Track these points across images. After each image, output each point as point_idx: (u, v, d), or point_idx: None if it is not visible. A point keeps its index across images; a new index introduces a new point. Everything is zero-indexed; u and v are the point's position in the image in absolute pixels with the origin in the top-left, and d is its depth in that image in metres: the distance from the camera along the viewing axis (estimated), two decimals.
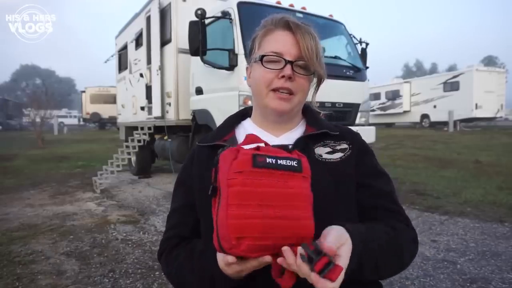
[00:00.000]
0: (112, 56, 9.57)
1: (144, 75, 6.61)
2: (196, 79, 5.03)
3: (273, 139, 0.86)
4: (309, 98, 0.90)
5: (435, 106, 19.66)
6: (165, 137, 6.05)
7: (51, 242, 3.46)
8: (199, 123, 4.96)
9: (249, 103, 4.02)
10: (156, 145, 6.72)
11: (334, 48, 5.09)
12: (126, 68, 7.97)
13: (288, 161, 0.63)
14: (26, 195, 5.61)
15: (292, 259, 0.58)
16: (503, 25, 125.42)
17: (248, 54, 0.93)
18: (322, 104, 4.25)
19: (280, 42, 0.82)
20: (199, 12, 4.06)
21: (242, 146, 0.66)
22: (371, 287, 0.83)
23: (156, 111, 5.95)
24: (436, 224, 3.81)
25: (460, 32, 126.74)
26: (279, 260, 0.60)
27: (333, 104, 4.65)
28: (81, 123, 35.83)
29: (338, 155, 0.84)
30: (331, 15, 5.37)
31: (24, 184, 6.51)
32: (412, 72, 61.99)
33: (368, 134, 4.74)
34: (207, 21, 4.28)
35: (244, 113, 0.98)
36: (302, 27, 0.82)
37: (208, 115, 4.63)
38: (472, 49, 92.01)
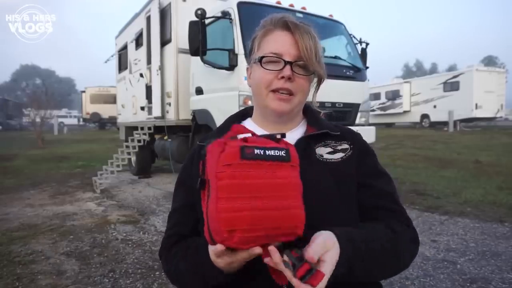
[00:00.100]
0: (112, 56, 9.58)
1: (144, 75, 6.61)
2: (196, 79, 5.03)
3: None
4: (309, 98, 0.90)
5: (435, 106, 19.66)
6: (165, 137, 6.05)
7: (51, 242, 3.46)
8: (199, 123, 4.96)
9: (249, 103, 4.02)
10: (156, 145, 6.72)
11: (334, 48, 5.09)
12: (126, 68, 7.97)
13: (276, 151, 0.63)
14: (26, 195, 5.61)
15: (278, 259, 0.59)
16: (503, 25, 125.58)
17: (248, 55, 0.93)
18: (322, 104, 4.23)
19: (279, 43, 0.82)
20: (199, 12, 4.06)
21: (228, 138, 0.66)
22: (371, 287, 0.83)
23: (156, 111, 5.95)
24: (436, 224, 3.81)
25: (460, 32, 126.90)
26: (266, 260, 0.61)
27: (333, 104, 4.65)
28: (81, 123, 35.83)
29: (339, 155, 0.84)
30: (331, 15, 5.38)
31: (24, 184, 6.51)
32: (412, 72, 61.99)
33: (368, 134, 4.74)
34: (207, 21, 4.28)
35: (244, 113, 0.98)
36: (301, 27, 0.81)
37: (208, 115, 4.63)
38: (472, 49, 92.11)
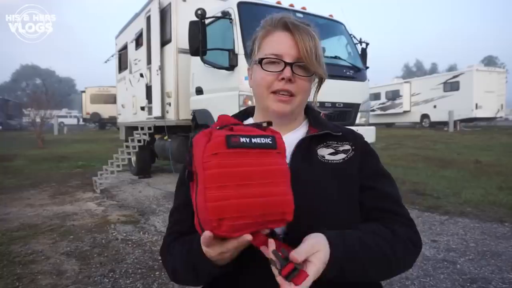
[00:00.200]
0: (112, 56, 9.57)
1: (144, 75, 6.62)
2: (196, 79, 5.03)
3: None
4: (310, 98, 0.90)
5: (435, 106, 19.66)
6: (165, 137, 6.05)
7: (51, 242, 3.46)
8: (199, 123, 4.96)
9: (249, 103, 4.02)
10: (156, 145, 6.72)
11: (334, 48, 5.10)
12: (126, 68, 7.97)
13: (262, 138, 0.63)
14: (26, 195, 5.61)
15: (273, 245, 0.63)
16: (503, 25, 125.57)
17: (249, 55, 0.93)
18: (322, 104, 4.25)
19: (279, 44, 0.81)
20: (199, 12, 4.06)
21: (215, 128, 0.66)
22: (370, 287, 0.83)
23: (156, 111, 5.96)
24: (436, 224, 3.81)
25: (460, 32, 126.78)
26: (262, 248, 0.63)
27: (333, 104, 4.66)
28: (81, 123, 35.82)
29: (340, 156, 0.84)
30: (331, 15, 5.38)
31: (24, 184, 6.51)
32: (412, 72, 61.99)
33: (368, 134, 4.74)
34: (207, 21, 4.28)
35: (246, 113, 0.98)
36: (301, 27, 0.81)
37: (208, 115, 4.63)
38: (472, 49, 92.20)
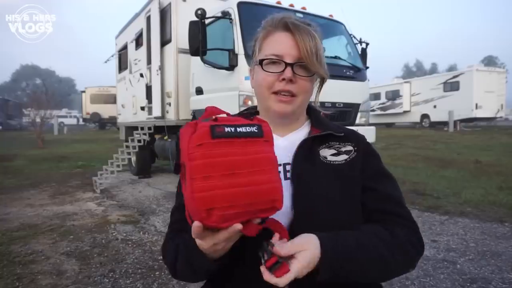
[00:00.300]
0: (112, 56, 9.57)
1: (144, 75, 6.62)
2: (196, 79, 5.03)
3: (278, 139, 0.86)
4: (312, 98, 0.90)
5: (435, 106, 19.66)
6: (165, 137, 6.05)
7: (51, 242, 3.46)
8: None
9: (249, 103, 4.02)
10: (156, 145, 6.72)
11: (334, 48, 5.10)
12: (126, 68, 7.97)
13: (247, 127, 0.63)
14: (26, 195, 5.61)
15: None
16: (503, 25, 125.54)
17: (250, 56, 0.93)
18: (322, 104, 4.21)
19: (279, 44, 0.81)
20: (199, 12, 4.06)
21: (201, 119, 0.66)
22: (370, 287, 0.83)
23: (156, 111, 5.96)
24: (436, 224, 3.81)
25: (460, 32, 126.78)
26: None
27: (333, 104, 4.66)
28: (81, 123, 35.81)
29: (343, 157, 0.84)
30: (331, 15, 5.38)
31: (24, 184, 6.51)
32: (412, 72, 62.01)
33: (368, 134, 4.70)
34: (207, 21, 4.28)
35: (252, 112, 0.97)
36: (301, 27, 0.81)
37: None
38: (472, 49, 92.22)
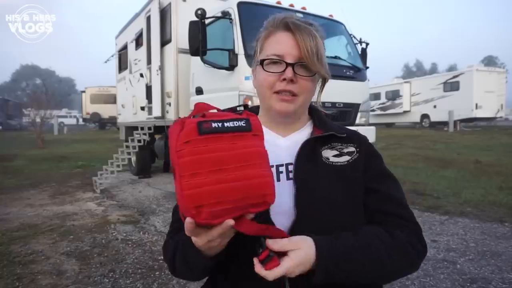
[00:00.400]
0: (112, 56, 9.58)
1: (144, 75, 6.62)
2: (196, 79, 5.03)
3: (280, 139, 0.86)
4: (314, 98, 0.90)
5: (435, 106, 19.66)
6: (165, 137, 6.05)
7: (51, 242, 3.46)
8: None
9: (249, 103, 4.02)
10: (156, 145, 6.71)
11: (334, 48, 5.09)
12: (126, 68, 7.97)
13: (235, 122, 0.62)
14: (26, 195, 5.61)
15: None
16: (503, 25, 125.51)
17: (251, 56, 0.93)
18: (322, 104, 4.23)
19: (280, 44, 0.81)
20: (199, 12, 4.06)
21: (189, 116, 0.65)
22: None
23: (156, 111, 5.96)
24: (436, 224, 3.81)
25: (460, 32, 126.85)
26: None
27: (333, 104, 4.65)
28: (81, 123, 35.81)
29: (345, 159, 0.84)
30: (331, 15, 5.38)
31: (24, 184, 6.51)
32: (412, 72, 62.00)
33: (368, 134, 4.70)
34: (207, 21, 4.28)
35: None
36: (302, 27, 0.81)
37: None
38: (472, 49, 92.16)
